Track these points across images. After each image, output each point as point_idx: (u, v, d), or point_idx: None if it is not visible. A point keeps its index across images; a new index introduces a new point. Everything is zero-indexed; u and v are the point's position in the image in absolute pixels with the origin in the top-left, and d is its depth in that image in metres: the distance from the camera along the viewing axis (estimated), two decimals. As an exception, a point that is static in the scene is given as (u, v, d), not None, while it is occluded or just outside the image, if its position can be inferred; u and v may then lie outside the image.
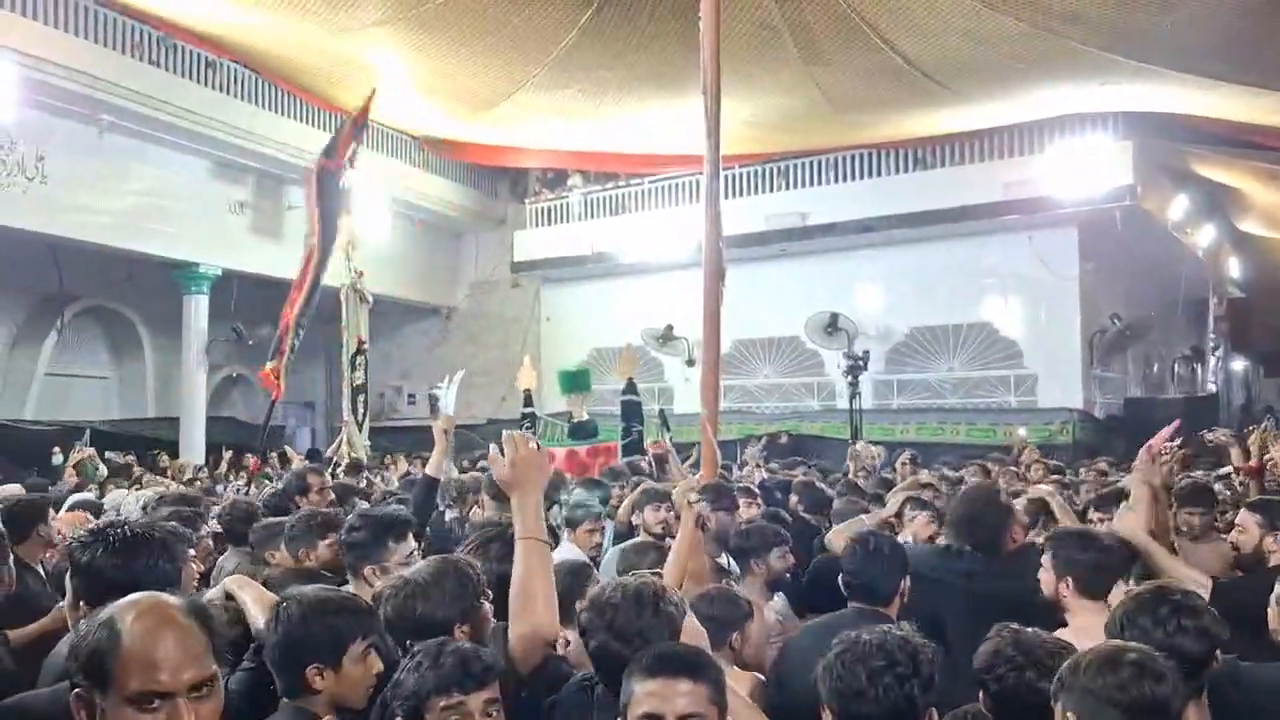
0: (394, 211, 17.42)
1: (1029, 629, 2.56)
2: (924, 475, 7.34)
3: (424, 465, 8.39)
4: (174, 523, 3.00)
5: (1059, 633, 2.72)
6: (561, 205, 20.37)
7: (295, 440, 18.41)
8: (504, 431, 2.70)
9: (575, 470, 8.72)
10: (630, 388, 10.45)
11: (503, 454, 2.63)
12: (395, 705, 2.10)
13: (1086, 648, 2.16)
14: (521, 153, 17.79)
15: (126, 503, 6.17)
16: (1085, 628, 2.98)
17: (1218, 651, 2.37)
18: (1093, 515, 5.11)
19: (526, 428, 10.24)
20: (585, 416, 10.75)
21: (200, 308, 15.67)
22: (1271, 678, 2.60)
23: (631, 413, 10.12)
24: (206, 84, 14.47)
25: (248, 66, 14.82)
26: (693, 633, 2.43)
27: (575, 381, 11.48)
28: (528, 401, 10.58)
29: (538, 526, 2.60)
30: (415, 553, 3.50)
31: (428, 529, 4.52)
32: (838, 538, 5.14)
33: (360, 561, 3.34)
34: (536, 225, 20.57)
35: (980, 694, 2.38)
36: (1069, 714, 2.00)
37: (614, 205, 19.63)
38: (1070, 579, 3.27)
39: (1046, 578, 3.33)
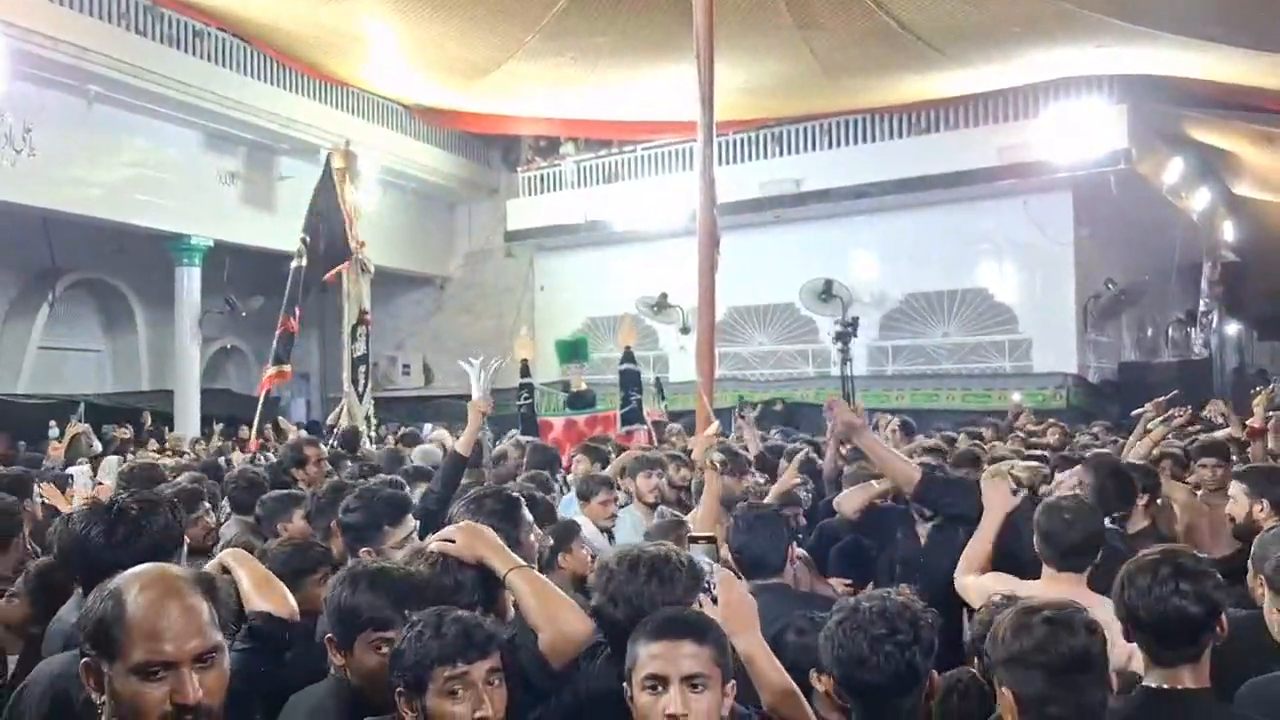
0: (386, 181, 17.31)
1: (1021, 596, 2.58)
2: (922, 440, 7.35)
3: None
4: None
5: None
6: (554, 174, 20.27)
7: (290, 412, 18.38)
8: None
9: (574, 440, 8.75)
10: (629, 357, 10.44)
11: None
12: (395, 676, 2.10)
13: None
14: (514, 120, 17.73)
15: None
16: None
17: (1223, 616, 2.38)
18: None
19: (524, 398, 10.23)
20: (584, 386, 10.74)
21: (193, 279, 15.60)
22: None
23: (630, 382, 10.11)
24: (195, 53, 14.33)
25: (237, 35, 14.68)
26: (738, 603, 2.44)
27: (573, 351, 11.47)
28: (525, 372, 10.56)
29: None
30: (414, 534, 3.49)
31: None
32: (847, 502, 5.18)
33: (357, 543, 3.31)
34: (530, 194, 20.48)
35: (975, 661, 2.40)
36: (1003, 689, 2.03)
37: (607, 173, 19.54)
38: None
39: None
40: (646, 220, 17.92)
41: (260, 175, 16.30)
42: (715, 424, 5.09)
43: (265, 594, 2.47)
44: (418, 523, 3.58)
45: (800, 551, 3.45)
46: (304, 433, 9.99)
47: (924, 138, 16.38)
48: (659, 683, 2.01)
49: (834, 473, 6.02)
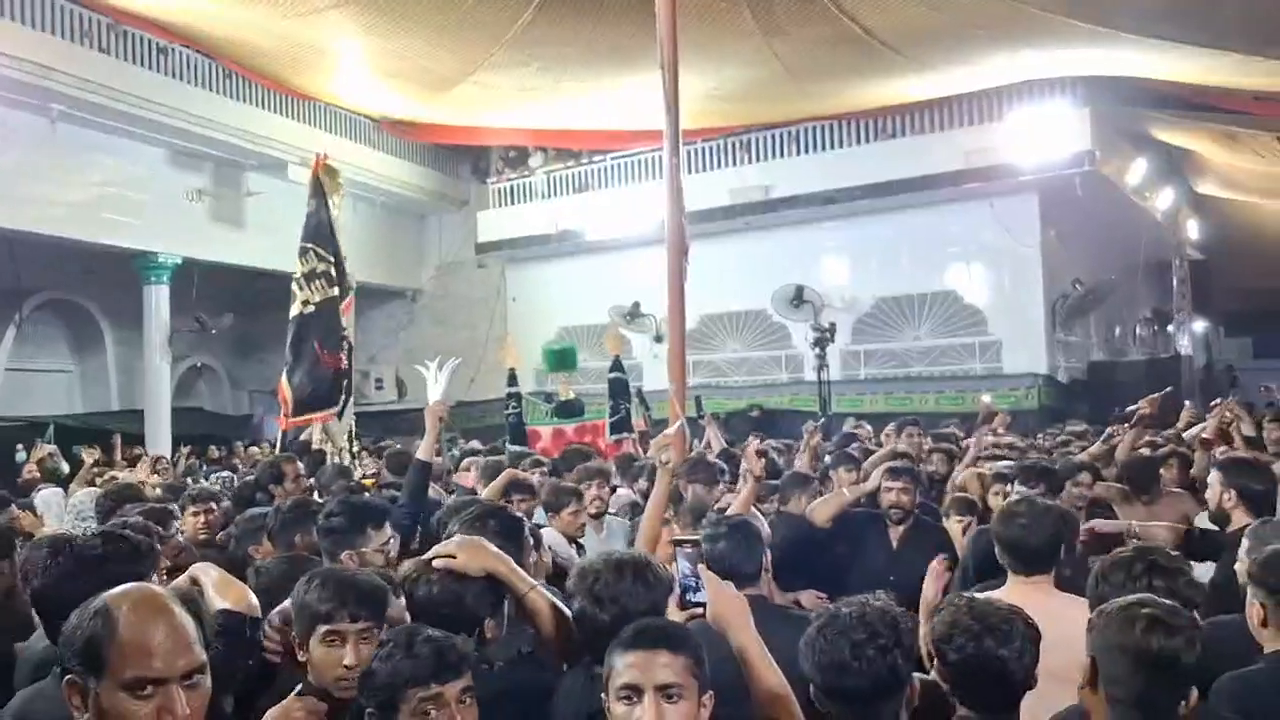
0: (356, 195, 17.24)
1: (981, 596, 2.60)
2: (900, 443, 7.40)
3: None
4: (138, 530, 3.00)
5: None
6: (524, 185, 20.28)
7: (263, 429, 18.26)
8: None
9: (562, 450, 8.75)
10: (617, 365, 10.45)
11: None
12: (366, 696, 2.09)
13: None
14: (482, 132, 17.69)
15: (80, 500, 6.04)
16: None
17: (1195, 614, 2.41)
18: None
19: (512, 407, 10.20)
20: (571, 395, 10.71)
21: (161, 298, 15.46)
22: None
23: (619, 390, 10.13)
24: (159, 70, 14.23)
25: (201, 52, 14.59)
26: (729, 600, 2.44)
27: (561, 360, 11.43)
28: (512, 380, 10.52)
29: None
30: (392, 541, 3.52)
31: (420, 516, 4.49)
32: (820, 511, 5.20)
33: (337, 548, 3.35)
34: (500, 205, 20.48)
35: (935, 663, 2.41)
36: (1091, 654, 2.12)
37: (577, 183, 19.58)
38: None
39: None
40: (617, 229, 17.94)
41: (228, 191, 16.19)
42: (678, 423, 5.09)
43: (224, 592, 2.49)
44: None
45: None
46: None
47: (890, 142, 16.50)
48: (634, 693, 2.00)
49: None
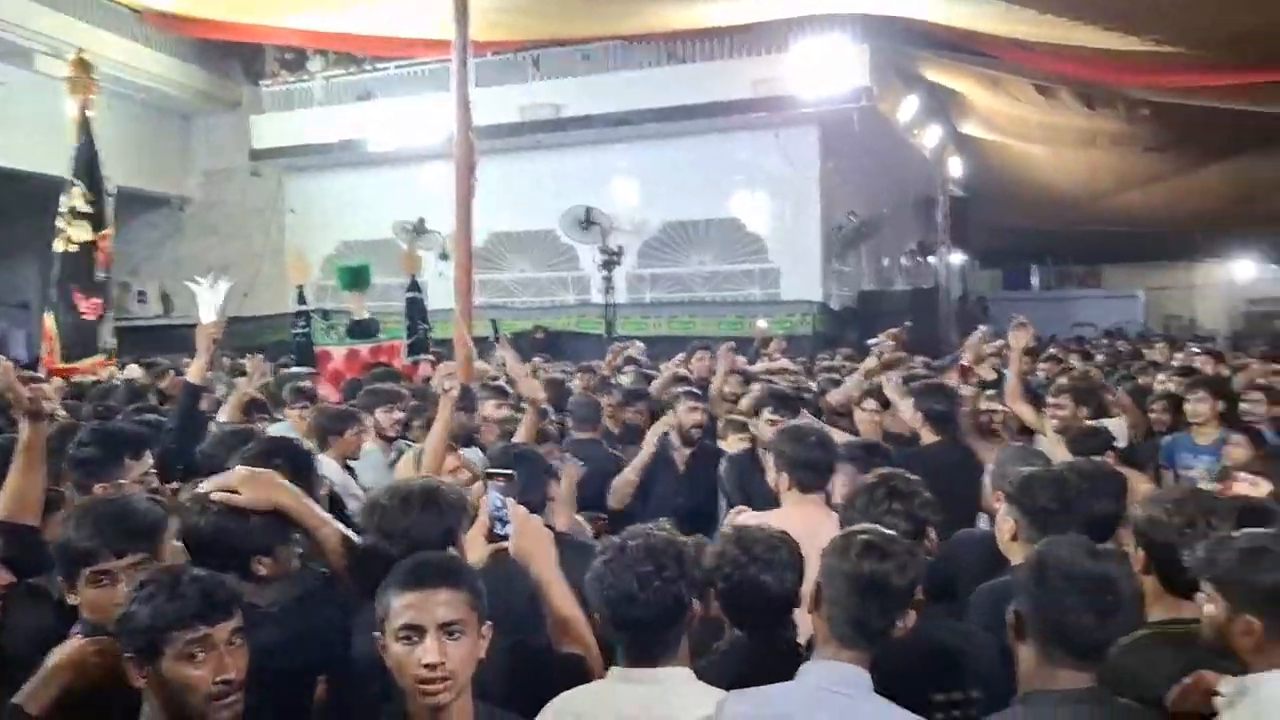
0: (111, 91, 15.85)
1: (755, 522, 2.75)
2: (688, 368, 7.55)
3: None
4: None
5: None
6: (303, 90, 19.20)
7: (7, 346, 16.79)
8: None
9: (359, 371, 8.47)
10: (414, 285, 10.16)
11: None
12: (124, 640, 1.95)
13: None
14: (251, 29, 16.53)
15: None
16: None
17: (930, 529, 2.63)
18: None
19: (300, 326, 9.73)
20: (366, 314, 10.30)
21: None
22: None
23: (416, 311, 9.87)
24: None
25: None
26: (534, 532, 2.51)
27: (355, 278, 10.93)
28: (301, 299, 10.01)
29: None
30: (152, 471, 3.31)
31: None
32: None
33: (90, 479, 3.13)
34: (276, 110, 19.31)
35: (711, 594, 2.53)
36: (819, 583, 2.20)
37: (360, 91, 18.72)
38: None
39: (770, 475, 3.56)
40: (403, 141, 17.31)
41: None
42: (465, 352, 5.05)
43: None
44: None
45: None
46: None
47: (682, 68, 16.60)
48: (414, 632, 1.97)
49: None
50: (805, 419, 4.74)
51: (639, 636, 2.22)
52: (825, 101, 15.57)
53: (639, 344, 10.79)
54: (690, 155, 16.89)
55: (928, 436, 4.86)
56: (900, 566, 2.16)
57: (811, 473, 3.53)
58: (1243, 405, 6.02)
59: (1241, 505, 2.89)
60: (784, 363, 9.28)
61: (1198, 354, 9.63)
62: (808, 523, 3.12)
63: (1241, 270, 27.56)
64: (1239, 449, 5.06)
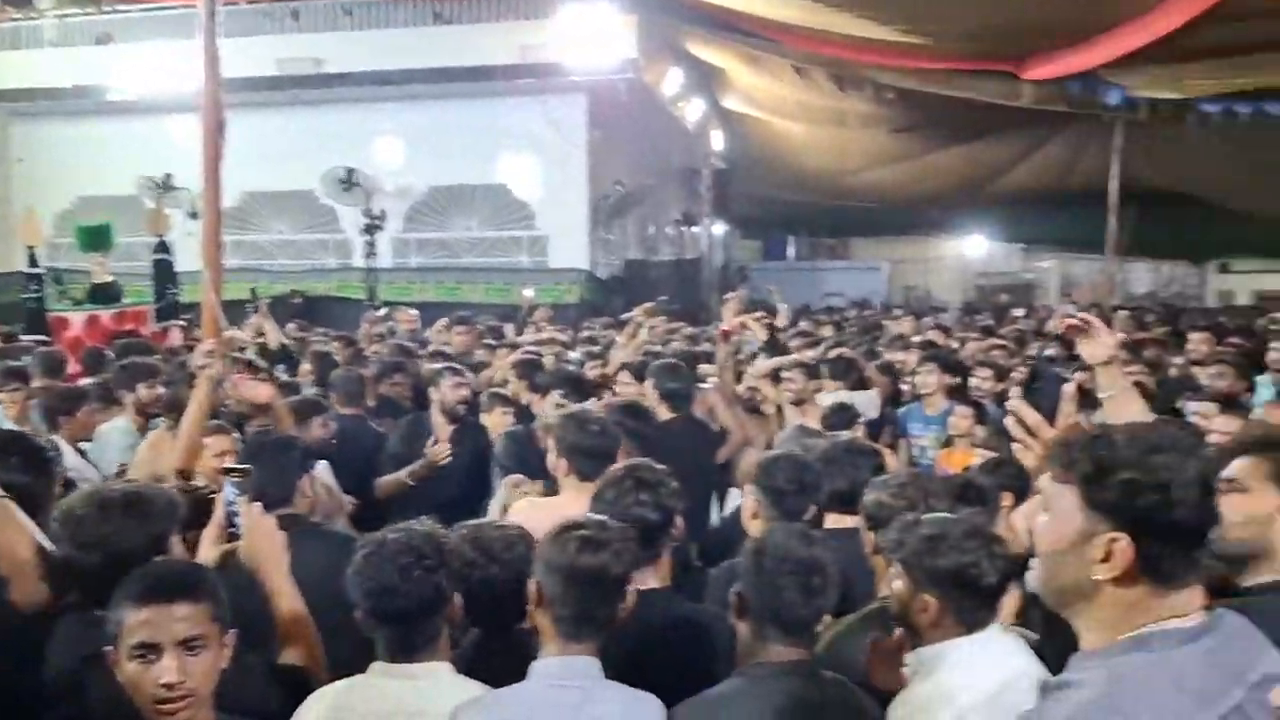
0: None
1: (488, 524, 2.78)
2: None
3: None
4: None
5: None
6: (31, 28, 17.59)
7: None
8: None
9: (101, 339, 7.91)
10: (162, 247, 9.52)
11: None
12: None
13: None
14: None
15: None
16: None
17: (677, 517, 2.73)
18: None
19: (33, 290, 8.94)
20: (108, 277, 9.55)
21: None
22: None
23: (165, 274, 9.27)
24: None
25: None
26: (263, 535, 2.44)
27: (95, 238, 10.10)
28: (32, 261, 9.15)
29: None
30: None
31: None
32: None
33: None
34: (1, 49, 17.61)
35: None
36: (537, 581, 2.23)
37: (98, 33, 17.35)
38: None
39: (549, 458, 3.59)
40: (147, 90, 16.17)
41: None
42: (228, 332, 4.81)
43: None
44: None
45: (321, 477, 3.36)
46: None
47: (448, 29, 16.32)
48: (150, 650, 1.86)
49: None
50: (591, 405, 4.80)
51: (399, 630, 2.23)
52: (593, 71, 15.69)
53: (412, 311, 10.61)
54: (458, 119, 16.65)
55: (664, 414, 4.95)
56: (616, 555, 2.21)
57: (592, 461, 3.45)
58: (972, 381, 6.53)
59: (962, 483, 3.15)
60: (552, 334, 9.38)
61: (932, 328, 10.40)
62: (576, 507, 3.20)
63: (973, 246, 29.88)
64: (964, 420, 5.53)
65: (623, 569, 2.22)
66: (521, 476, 3.73)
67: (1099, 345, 2.64)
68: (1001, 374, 6.74)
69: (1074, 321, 2.72)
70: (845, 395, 6.09)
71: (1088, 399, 2.84)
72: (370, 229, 14.29)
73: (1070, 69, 12.81)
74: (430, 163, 16.95)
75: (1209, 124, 13.12)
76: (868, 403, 6.34)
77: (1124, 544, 1.45)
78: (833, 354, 7.28)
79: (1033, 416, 2.33)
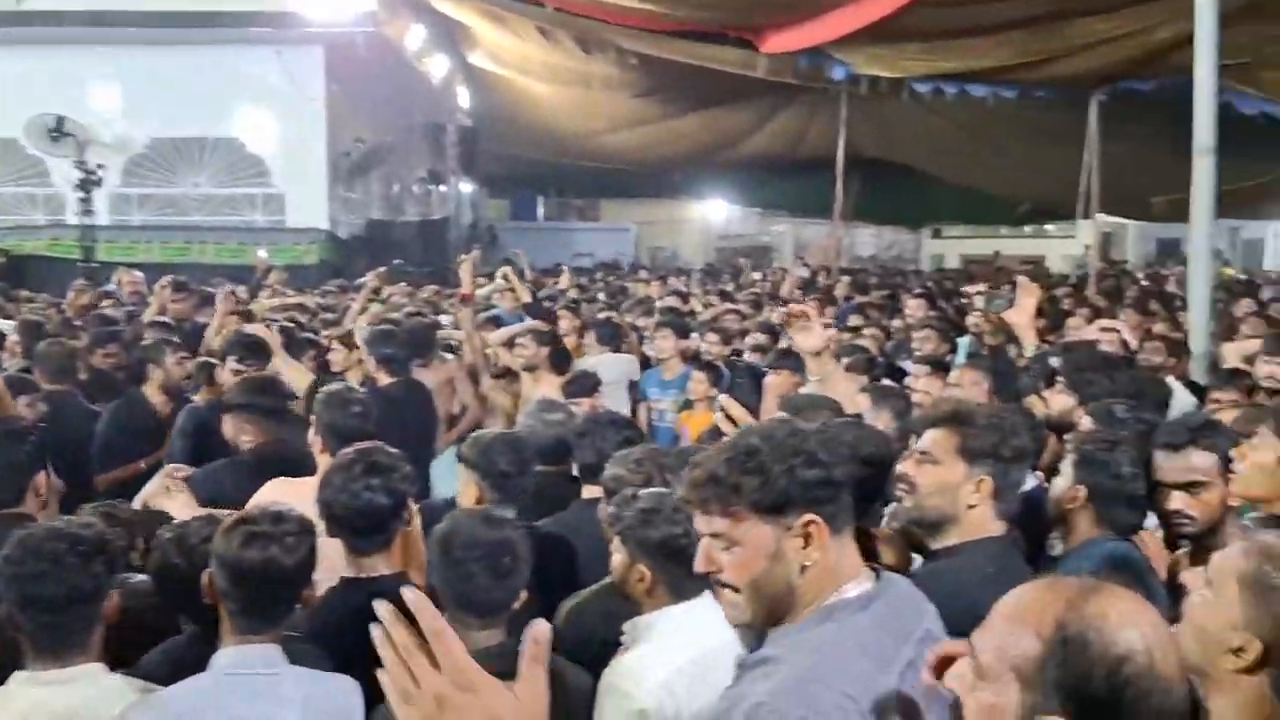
0: None
1: (192, 521, 2.70)
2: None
3: None
4: None
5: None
6: None
7: None
8: None
9: None
10: None
11: None
12: None
13: None
14: None
15: None
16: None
17: (410, 501, 2.74)
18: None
19: None
20: None
21: None
22: None
23: None
24: None
25: None
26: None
27: None
28: None
29: None
30: None
31: None
32: None
33: None
34: None
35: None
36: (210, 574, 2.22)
37: None
38: None
39: None
40: None
41: None
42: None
43: None
44: None
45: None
46: None
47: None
48: None
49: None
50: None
51: (48, 623, 2.11)
52: (330, 23, 15.08)
53: (136, 273, 9.96)
54: (183, 66, 15.56)
55: (383, 378, 5.02)
56: (287, 550, 2.19)
57: (344, 442, 3.31)
58: (703, 346, 6.85)
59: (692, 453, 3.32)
60: (300, 299, 9.08)
61: (670, 294, 10.78)
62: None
63: (714, 210, 30.95)
64: (700, 384, 5.78)
65: (294, 562, 2.20)
66: (179, 466, 3.54)
67: (812, 336, 2.87)
68: (728, 338, 7.12)
69: (797, 310, 2.94)
70: (608, 359, 6.31)
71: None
72: (85, 184, 13.18)
73: (801, 44, 13.44)
74: (153, 113, 15.81)
75: (922, 101, 14.13)
76: (628, 366, 6.56)
77: (818, 522, 1.63)
78: (601, 317, 7.47)
79: (738, 410, 2.52)
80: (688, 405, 5.90)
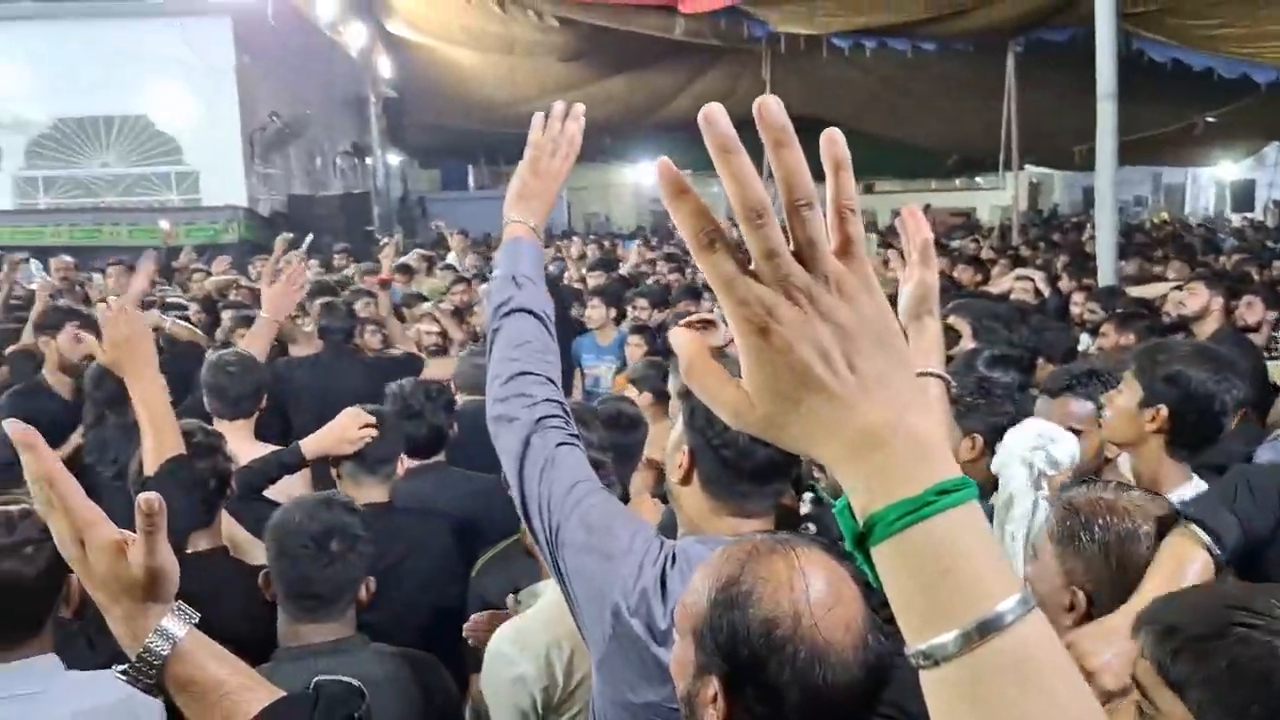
0: None
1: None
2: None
3: None
4: None
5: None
6: None
7: None
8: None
9: None
10: None
11: None
12: None
13: None
14: None
15: None
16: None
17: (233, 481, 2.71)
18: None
19: None
20: None
21: None
22: None
23: None
24: None
25: None
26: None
27: None
28: None
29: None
30: None
31: None
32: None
33: None
34: None
35: None
36: None
37: None
38: None
39: None
40: None
41: None
42: None
43: None
44: None
45: None
46: None
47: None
48: None
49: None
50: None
51: None
52: (236, -7, 14.64)
53: (34, 261, 9.59)
54: (83, 42, 14.98)
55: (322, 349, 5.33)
56: (26, 559, 1.84)
57: (222, 402, 3.52)
58: (632, 312, 6.75)
59: (614, 411, 3.20)
60: (233, 276, 8.87)
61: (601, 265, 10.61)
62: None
63: (646, 173, 30.75)
64: (637, 348, 5.67)
65: (36, 570, 1.85)
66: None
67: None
68: (659, 302, 7.02)
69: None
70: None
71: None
72: (-16, 168, 12.76)
73: (719, 3, 13.30)
74: (54, 91, 15.23)
75: (843, 57, 14.05)
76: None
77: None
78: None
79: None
80: (624, 368, 5.81)
